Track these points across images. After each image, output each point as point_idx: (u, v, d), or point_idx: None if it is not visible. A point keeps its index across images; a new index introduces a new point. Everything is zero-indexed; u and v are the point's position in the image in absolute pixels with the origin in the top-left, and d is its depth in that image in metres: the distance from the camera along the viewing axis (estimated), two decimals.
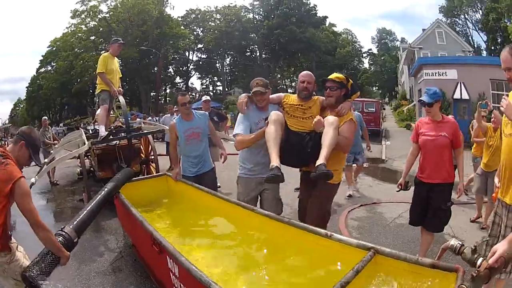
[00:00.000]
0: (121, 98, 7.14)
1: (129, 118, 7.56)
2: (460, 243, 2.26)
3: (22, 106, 62.28)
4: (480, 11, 48.61)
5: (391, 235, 6.02)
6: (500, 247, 2.07)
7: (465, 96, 20.00)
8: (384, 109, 39.32)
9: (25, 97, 58.19)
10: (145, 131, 8.00)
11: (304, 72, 4.43)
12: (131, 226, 4.49)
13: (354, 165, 8.58)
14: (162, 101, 54.81)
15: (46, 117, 12.17)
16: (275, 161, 3.54)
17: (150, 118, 19.50)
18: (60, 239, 3.10)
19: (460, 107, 20.43)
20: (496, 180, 3.57)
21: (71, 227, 3.38)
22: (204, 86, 62.83)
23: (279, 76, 57.25)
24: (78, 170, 8.33)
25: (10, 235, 2.91)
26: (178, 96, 5.32)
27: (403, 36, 71.36)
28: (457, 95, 20.24)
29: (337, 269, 2.85)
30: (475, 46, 47.85)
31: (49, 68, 51.05)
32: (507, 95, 3.18)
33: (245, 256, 3.34)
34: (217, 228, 4.04)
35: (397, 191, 4.87)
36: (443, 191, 4.45)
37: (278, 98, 4.47)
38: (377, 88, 69.63)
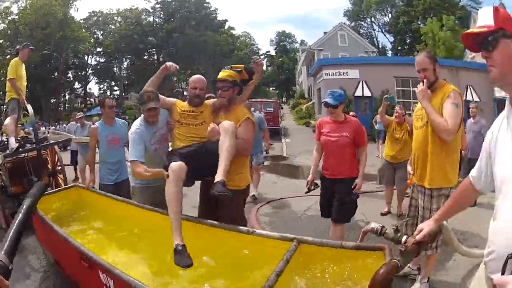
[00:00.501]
0: (29, 107, 6.83)
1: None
2: (381, 225, 2.39)
3: None
4: (390, 14, 51.38)
5: (306, 227, 6.28)
6: (426, 226, 2.21)
7: (367, 93, 21.88)
8: (282, 108, 40.71)
9: None
10: (54, 141, 7.69)
11: (195, 77, 4.27)
12: (53, 243, 4.29)
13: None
14: (61, 108, 52.35)
15: None
16: (178, 239, 3.16)
17: (53, 127, 18.67)
18: None
19: (362, 104, 22.19)
20: (409, 168, 4.10)
21: (2, 253, 3.08)
22: (102, 91, 61.37)
23: (175, 79, 56.88)
24: None
25: None
26: (106, 99, 5.29)
27: (303, 38, 73.35)
28: (358, 93, 22.11)
29: (265, 262, 2.93)
30: (380, 46, 50.55)
31: None
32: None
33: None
34: (137, 235, 3.96)
35: (306, 192, 4.97)
36: (346, 185, 4.64)
37: (170, 102, 4.32)
38: (274, 88, 71.20)
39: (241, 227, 3.33)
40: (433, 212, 3.41)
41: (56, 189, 5.69)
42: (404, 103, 20.64)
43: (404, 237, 2.23)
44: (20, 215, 3.89)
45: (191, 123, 4.04)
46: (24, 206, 4.05)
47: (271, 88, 71.92)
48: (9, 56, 43.55)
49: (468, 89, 21.02)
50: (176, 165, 3.36)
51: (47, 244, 4.84)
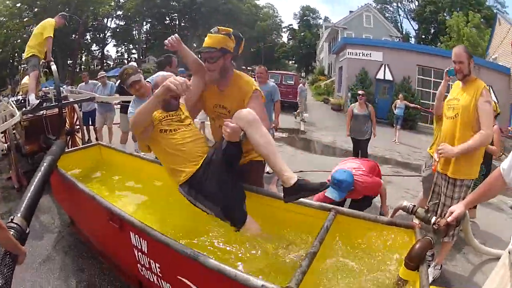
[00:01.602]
0: (53, 66, 6.74)
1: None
2: (412, 204, 2.59)
3: None
4: (417, 1, 50.69)
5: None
6: (457, 209, 2.34)
7: (389, 77, 21.45)
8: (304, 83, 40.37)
9: None
10: (76, 99, 7.56)
11: (160, 78, 3.80)
12: (73, 203, 4.12)
13: None
14: (77, 70, 52.21)
15: None
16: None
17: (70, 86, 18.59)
18: (12, 232, 2.65)
19: (382, 87, 21.86)
20: (435, 155, 4.02)
21: (19, 215, 2.93)
22: (119, 54, 60.97)
23: (195, 45, 56.50)
24: (5, 146, 7.63)
25: None
26: (172, 58, 5.18)
27: (327, 15, 72.52)
28: (380, 76, 21.72)
29: (304, 229, 2.92)
30: (404, 32, 49.99)
31: None
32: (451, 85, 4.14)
33: (207, 222, 3.10)
34: (164, 194, 3.74)
35: None
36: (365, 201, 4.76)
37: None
38: (293, 62, 70.70)
39: (280, 194, 3.09)
40: (455, 200, 3.71)
41: (77, 147, 5.50)
42: (422, 92, 20.69)
43: (434, 218, 2.40)
44: (40, 174, 3.69)
45: (179, 127, 3.23)
46: (45, 164, 3.87)
47: (290, 62, 71.22)
48: (26, 19, 43.57)
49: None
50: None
51: (66, 204, 4.67)
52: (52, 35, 6.76)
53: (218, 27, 3.15)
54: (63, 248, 4.45)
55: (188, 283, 2.41)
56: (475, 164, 3.76)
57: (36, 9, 42.76)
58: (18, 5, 45.04)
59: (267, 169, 7.29)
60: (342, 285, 2.33)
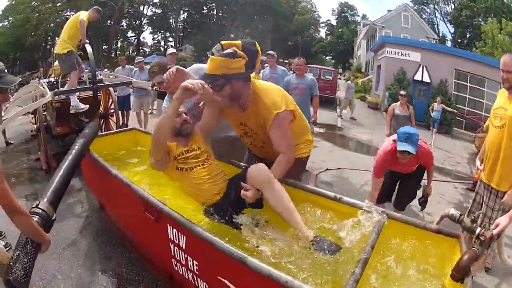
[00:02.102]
0: (89, 47, 6.62)
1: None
2: (459, 212, 2.52)
3: None
4: (453, 5, 49.95)
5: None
6: (503, 221, 2.43)
7: (426, 79, 21.07)
8: (340, 79, 40.13)
9: None
10: (112, 82, 7.51)
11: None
12: (105, 189, 3.92)
13: None
14: (113, 55, 52.78)
15: None
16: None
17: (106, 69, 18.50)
18: (36, 218, 2.51)
19: (419, 89, 21.54)
20: (478, 162, 4.00)
21: (45, 200, 2.77)
22: (156, 41, 61.00)
23: (232, 36, 56.33)
24: (35, 126, 7.60)
25: None
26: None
27: (365, 12, 71.84)
28: (417, 77, 21.34)
29: (354, 231, 2.67)
30: (440, 35, 49.40)
31: (6, 23, 47.78)
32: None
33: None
34: None
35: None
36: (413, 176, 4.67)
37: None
38: (330, 57, 70.32)
39: (328, 192, 3.02)
40: (496, 212, 3.57)
41: (112, 131, 5.37)
42: (458, 96, 20.15)
43: (478, 229, 2.33)
44: (71, 156, 3.53)
45: (195, 166, 3.05)
46: (76, 147, 3.71)
47: (327, 57, 70.78)
48: (59, 3, 44.23)
49: None
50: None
51: (96, 188, 4.51)
52: (85, 19, 6.68)
53: (222, 43, 2.75)
54: (90, 234, 4.35)
55: (230, 285, 2.24)
56: None
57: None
58: None
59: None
60: None
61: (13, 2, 46.30)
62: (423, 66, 21.10)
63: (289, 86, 6.78)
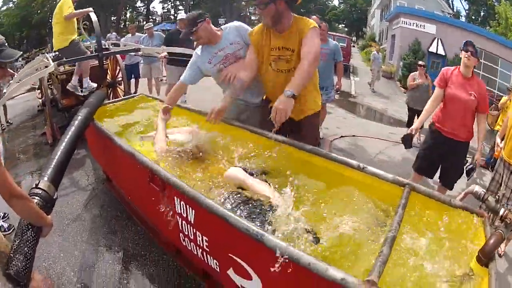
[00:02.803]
0: (93, 15, 6.26)
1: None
2: (484, 190, 2.38)
3: None
4: None
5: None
6: None
7: (441, 51, 21.21)
8: (354, 46, 39.66)
9: None
10: (119, 50, 7.29)
11: None
12: (111, 159, 3.71)
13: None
14: (122, 26, 52.33)
15: None
16: None
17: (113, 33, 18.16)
18: (36, 200, 2.34)
19: (433, 61, 21.53)
20: (498, 139, 4.07)
21: (46, 179, 2.60)
22: (166, 10, 59.73)
23: (244, 3, 55.29)
24: (40, 101, 7.45)
25: None
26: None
27: None
28: (432, 49, 21.50)
29: (375, 204, 2.57)
30: (454, 10, 48.78)
31: (11, 4, 47.59)
32: None
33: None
34: (216, 152, 3.27)
35: (404, 141, 4.45)
36: (462, 150, 4.30)
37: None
38: (344, 26, 69.52)
39: (351, 161, 2.83)
40: None
41: (118, 99, 5.10)
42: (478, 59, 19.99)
43: (502, 210, 2.19)
44: (73, 129, 3.31)
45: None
46: (79, 117, 3.49)
47: (341, 25, 69.91)
48: None
49: None
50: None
51: (101, 159, 4.33)
52: (70, 12, 6.10)
53: None
54: (96, 207, 4.22)
55: (243, 263, 2.06)
56: None
57: None
58: None
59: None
60: (422, 276, 2.01)
61: None
62: (438, 39, 21.10)
63: None
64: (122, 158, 3.15)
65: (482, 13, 45.85)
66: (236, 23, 3.73)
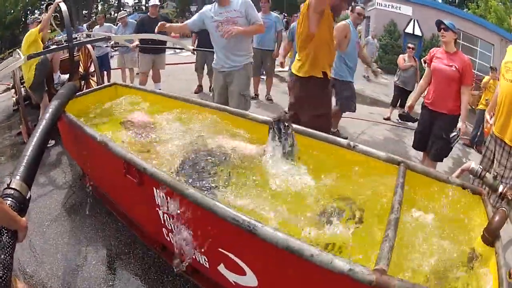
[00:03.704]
0: (63, 6, 5.84)
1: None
2: (481, 167, 2.39)
3: None
4: None
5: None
6: None
7: (418, 32, 21.59)
8: None
9: None
10: (89, 40, 7.04)
11: None
12: (85, 152, 3.49)
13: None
14: (94, 19, 52.02)
15: None
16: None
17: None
18: (9, 202, 2.11)
19: (410, 42, 21.20)
20: (487, 115, 3.99)
21: (17, 178, 2.38)
22: (137, 1, 59.11)
23: None
24: (14, 99, 7.17)
25: None
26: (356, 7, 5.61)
27: None
28: (409, 30, 21.95)
29: (368, 184, 2.53)
30: None
31: None
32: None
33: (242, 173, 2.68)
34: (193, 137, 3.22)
35: (400, 117, 4.70)
36: (446, 121, 4.55)
37: None
38: None
39: (340, 140, 2.83)
40: (508, 170, 3.32)
41: (90, 89, 4.93)
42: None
43: (501, 187, 2.22)
44: (43, 123, 3.10)
45: None
46: (49, 110, 3.30)
47: None
48: None
49: None
50: None
51: (76, 154, 4.10)
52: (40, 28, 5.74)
53: None
54: (74, 206, 4.02)
55: (235, 259, 1.90)
56: None
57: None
58: None
59: None
60: (425, 257, 1.95)
61: None
62: (414, 20, 21.45)
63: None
64: (95, 149, 2.99)
65: None
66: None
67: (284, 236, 1.59)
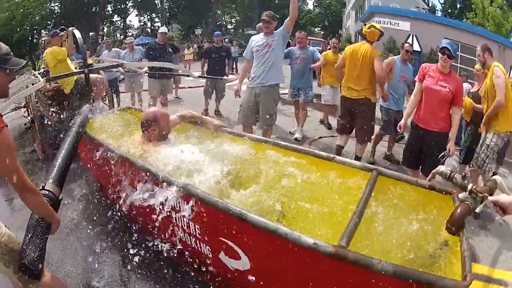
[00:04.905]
0: (77, 32, 6.39)
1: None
2: (450, 169, 2.58)
3: None
4: None
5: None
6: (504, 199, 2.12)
7: (417, 47, 20.88)
8: (330, 49, 39.76)
9: None
10: (104, 65, 7.35)
11: None
12: (102, 166, 3.84)
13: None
14: (100, 41, 52.26)
15: None
16: None
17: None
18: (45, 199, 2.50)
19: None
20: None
21: (50, 181, 2.83)
22: (142, 24, 59.26)
23: (219, 12, 55.34)
24: (28, 118, 7.51)
25: None
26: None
27: None
28: None
29: (346, 189, 2.91)
30: (430, 5, 49.21)
31: None
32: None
33: (246, 182, 3.13)
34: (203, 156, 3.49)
35: (398, 137, 4.90)
36: (438, 139, 4.68)
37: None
38: (319, 29, 69.97)
39: (322, 153, 3.23)
40: None
41: (106, 112, 5.25)
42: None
43: (470, 185, 2.33)
44: (69, 138, 3.61)
45: None
46: (73, 129, 3.80)
47: (316, 29, 69.99)
48: None
49: None
50: None
51: (94, 168, 4.46)
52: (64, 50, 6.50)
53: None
54: (92, 215, 4.36)
55: (231, 244, 2.33)
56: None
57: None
58: None
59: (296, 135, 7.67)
60: (388, 247, 2.32)
61: None
62: (413, 35, 21.14)
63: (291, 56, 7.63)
64: (114, 162, 3.41)
65: (458, 6, 46.36)
66: (282, 29, 5.50)
67: (266, 220, 2.06)
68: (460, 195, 2.47)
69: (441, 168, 2.62)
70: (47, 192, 2.67)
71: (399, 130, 4.92)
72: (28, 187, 2.19)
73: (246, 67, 5.81)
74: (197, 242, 2.65)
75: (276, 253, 2.11)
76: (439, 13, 48.41)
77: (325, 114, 8.99)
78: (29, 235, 2.32)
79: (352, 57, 5.59)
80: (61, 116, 6.65)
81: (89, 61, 6.78)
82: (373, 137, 6.24)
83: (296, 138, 7.62)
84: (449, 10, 46.98)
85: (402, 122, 4.87)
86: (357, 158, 5.80)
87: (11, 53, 2.39)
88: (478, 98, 5.37)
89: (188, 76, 9.29)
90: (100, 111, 5.56)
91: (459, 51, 19.96)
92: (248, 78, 5.71)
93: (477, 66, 6.38)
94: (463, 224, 2.17)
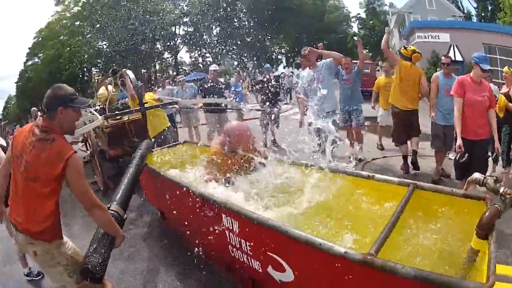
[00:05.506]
0: (130, 73, 7.00)
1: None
2: (483, 175, 2.55)
3: (13, 102, 59.96)
4: None
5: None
6: None
7: (459, 57, 20.43)
8: (379, 70, 39.36)
9: (15, 93, 55.44)
10: (160, 104, 7.59)
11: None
12: (164, 195, 4.07)
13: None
14: (153, 78, 53.58)
15: (34, 108, 11.97)
16: None
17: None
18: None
19: (453, 68, 20.64)
20: None
21: (115, 203, 3.23)
22: (193, 59, 60.06)
23: (268, 44, 56.21)
24: (88, 152, 7.97)
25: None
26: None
27: (391, 1, 70.08)
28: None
29: (385, 204, 3.05)
30: (465, 12, 48.23)
31: (37, 60, 48.46)
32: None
33: (288, 202, 3.38)
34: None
35: (459, 157, 4.89)
36: (485, 145, 4.99)
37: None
38: (367, 51, 69.39)
39: (362, 172, 3.47)
40: None
41: (165, 146, 5.76)
42: (492, 71, 19.58)
43: (502, 188, 2.35)
44: (132, 168, 3.99)
45: None
46: (136, 159, 4.20)
47: (365, 51, 69.55)
48: (89, 35, 45.92)
49: None
50: None
51: (155, 198, 4.96)
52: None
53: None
54: (153, 240, 4.81)
55: (277, 258, 2.61)
56: None
57: (97, 25, 44.54)
58: (77, 23, 47.28)
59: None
60: (419, 255, 2.44)
61: (40, 39, 47.70)
62: (453, 46, 20.75)
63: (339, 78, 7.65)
64: (174, 191, 3.75)
65: (490, 8, 45.08)
66: (328, 61, 5.84)
67: (303, 233, 2.34)
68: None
69: (475, 175, 2.62)
70: (112, 212, 3.04)
71: (459, 150, 4.86)
72: (97, 204, 2.53)
73: (303, 102, 5.94)
74: (249, 258, 2.95)
75: (314, 263, 2.36)
76: (474, 18, 47.38)
77: (379, 136, 9.06)
78: (94, 246, 2.65)
79: (407, 79, 6.58)
80: (120, 152, 7.09)
81: (146, 97, 7.20)
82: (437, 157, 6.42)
83: (360, 158, 7.75)
84: (482, 14, 45.80)
85: (458, 142, 4.85)
86: (415, 152, 6.63)
87: (77, 94, 2.71)
88: (509, 99, 5.64)
89: (240, 109, 9.58)
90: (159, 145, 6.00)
91: (497, 54, 19.74)
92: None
93: (506, 68, 6.39)
94: (492, 227, 2.16)
